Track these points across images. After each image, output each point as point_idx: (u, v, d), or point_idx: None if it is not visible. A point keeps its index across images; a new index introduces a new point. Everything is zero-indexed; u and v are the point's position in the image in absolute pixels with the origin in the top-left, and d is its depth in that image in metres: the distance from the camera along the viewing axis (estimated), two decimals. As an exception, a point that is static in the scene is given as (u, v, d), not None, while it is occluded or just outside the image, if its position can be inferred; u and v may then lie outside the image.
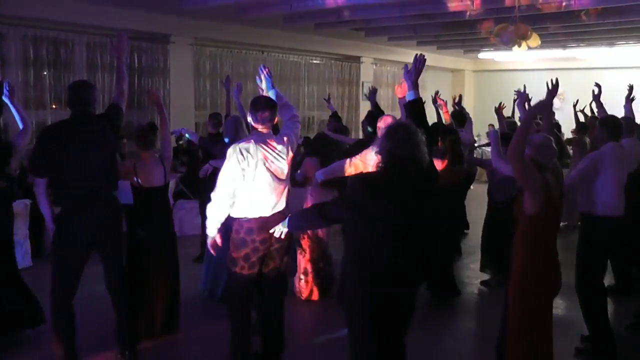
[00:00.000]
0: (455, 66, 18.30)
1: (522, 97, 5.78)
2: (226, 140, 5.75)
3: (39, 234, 7.39)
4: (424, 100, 3.78)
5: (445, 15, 9.92)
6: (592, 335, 4.88)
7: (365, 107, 13.38)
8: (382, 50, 14.73)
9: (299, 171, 6.06)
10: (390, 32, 12.34)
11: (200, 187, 6.69)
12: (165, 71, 10.55)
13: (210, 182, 4.57)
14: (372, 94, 7.82)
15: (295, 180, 5.77)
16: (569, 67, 16.56)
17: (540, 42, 9.35)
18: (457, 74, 19.29)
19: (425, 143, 3.22)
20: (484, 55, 15.48)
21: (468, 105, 17.63)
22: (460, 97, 9.29)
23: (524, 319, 3.69)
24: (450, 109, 8.87)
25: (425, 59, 3.70)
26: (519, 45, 9.14)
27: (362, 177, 3.39)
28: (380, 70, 15.55)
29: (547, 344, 3.77)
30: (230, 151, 4.09)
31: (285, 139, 4.28)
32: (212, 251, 4.24)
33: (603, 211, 4.74)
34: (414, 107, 3.68)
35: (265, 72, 4.54)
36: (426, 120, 3.67)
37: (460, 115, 8.39)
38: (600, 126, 5.12)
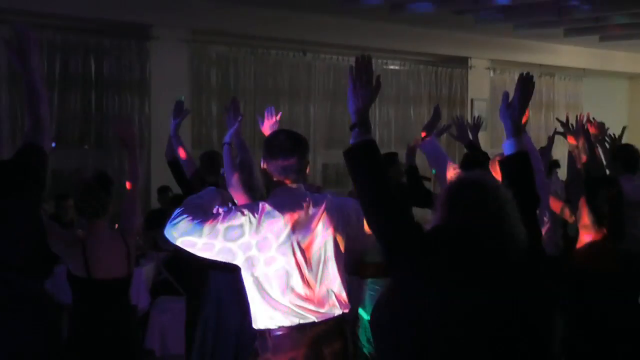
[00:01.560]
0: (635, 69, 17.02)
1: None
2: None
3: None
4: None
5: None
6: None
7: (480, 138, 12.30)
8: (505, 46, 13.85)
9: None
10: (520, 15, 11.37)
11: (197, 275, 6.47)
12: (143, 84, 10.15)
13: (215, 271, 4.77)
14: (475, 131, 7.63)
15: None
16: None
17: None
18: (636, 82, 17.84)
19: (516, 206, 3.09)
20: None
21: None
22: (623, 129, 8.19)
23: None
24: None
25: (534, 82, 3.62)
26: None
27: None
28: (502, 80, 14.56)
29: None
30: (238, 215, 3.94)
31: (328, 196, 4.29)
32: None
33: None
34: (516, 167, 3.55)
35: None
36: (535, 188, 3.55)
37: (633, 155, 7.20)
38: None
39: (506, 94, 3.54)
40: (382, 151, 10.78)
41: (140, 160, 5.06)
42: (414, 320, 3.03)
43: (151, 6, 9.83)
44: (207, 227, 3.66)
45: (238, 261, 3.83)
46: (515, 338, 3.06)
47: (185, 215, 3.65)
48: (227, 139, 5.37)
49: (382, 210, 3.22)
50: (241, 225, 3.72)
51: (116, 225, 5.02)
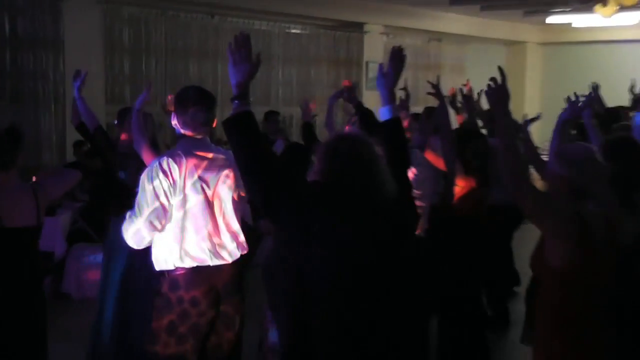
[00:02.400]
0: (512, 36, 17.95)
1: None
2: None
3: None
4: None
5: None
6: None
7: (371, 99, 13.03)
8: (397, 13, 14.18)
9: None
10: None
11: (110, 222, 6.34)
12: (57, 44, 10.02)
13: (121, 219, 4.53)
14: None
15: None
16: None
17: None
18: (514, 49, 18.63)
19: (386, 160, 3.41)
20: (555, 19, 14.89)
21: (530, 94, 18.32)
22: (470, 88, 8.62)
23: None
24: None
25: (404, 54, 3.87)
26: (605, 4, 9.61)
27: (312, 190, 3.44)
28: (394, 44, 14.27)
29: None
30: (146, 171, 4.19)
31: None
32: None
33: None
34: (391, 129, 3.77)
35: None
36: (406, 146, 3.86)
37: (490, 115, 7.67)
38: None
39: (381, 66, 3.73)
40: (279, 108, 11.02)
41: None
42: (297, 265, 3.28)
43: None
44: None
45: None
46: (380, 269, 3.29)
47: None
48: (137, 105, 5.50)
49: (258, 177, 3.34)
50: (157, 197, 4.00)
51: (33, 178, 4.97)
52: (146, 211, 4.07)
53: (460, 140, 5.85)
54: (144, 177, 4.12)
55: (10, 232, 4.66)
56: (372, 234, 3.29)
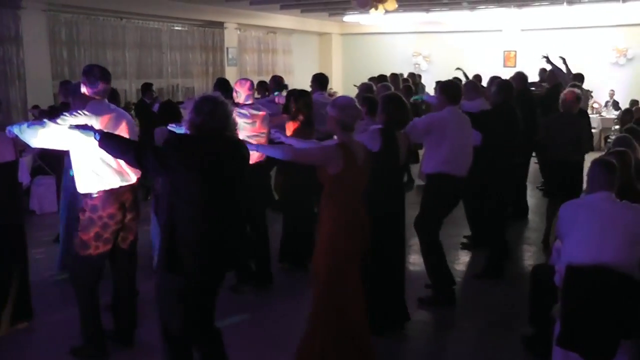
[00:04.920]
0: (322, 29, 19.18)
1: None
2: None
3: None
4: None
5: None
6: (433, 283, 5.69)
7: (231, 73, 14.42)
8: (246, 15, 15.45)
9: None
10: None
11: (59, 162, 6.82)
12: (18, 39, 10.71)
13: (69, 157, 4.62)
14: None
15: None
16: (434, 30, 18.13)
17: (396, 6, 10.65)
18: (324, 38, 20.22)
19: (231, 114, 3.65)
20: (349, 18, 16.39)
21: (336, 68, 19.31)
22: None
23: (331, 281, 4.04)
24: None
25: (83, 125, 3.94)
26: (376, 9, 10.37)
27: (178, 138, 3.66)
28: (245, 36, 16.36)
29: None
30: (73, 115, 4.26)
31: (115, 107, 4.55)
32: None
33: (447, 169, 5.49)
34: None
35: None
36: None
37: (323, 78, 8.25)
38: (440, 91, 5.79)
39: None
40: (169, 80, 13.73)
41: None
42: (169, 191, 3.57)
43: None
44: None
45: (77, 145, 4.22)
46: (225, 194, 3.57)
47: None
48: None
49: (133, 162, 3.62)
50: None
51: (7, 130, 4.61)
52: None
53: (296, 96, 6.59)
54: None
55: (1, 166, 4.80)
56: (221, 161, 3.52)
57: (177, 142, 3.49)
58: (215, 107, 3.50)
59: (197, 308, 3.65)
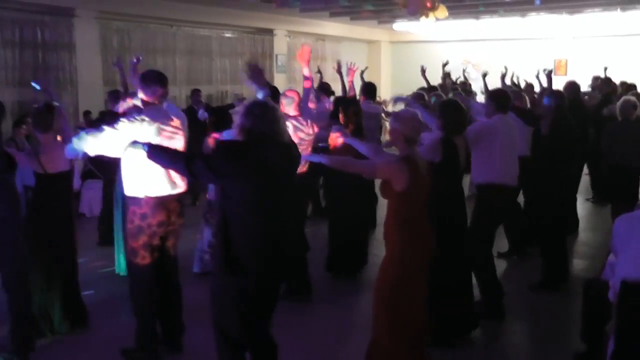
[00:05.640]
0: (371, 37, 18.90)
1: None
2: None
3: None
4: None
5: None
6: (483, 296, 5.50)
7: (279, 80, 14.29)
8: (295, 22, 15.25)
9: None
10: (301, 3, 12.74)
11: (109, 166, 6.79)
12: (71, 46, 10.79)
13: (118, 161, 4.60)
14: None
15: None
16: (484, 38, 17.71)
17: (447, 14, 10.30)
18: (373, 45, 19.89)
19: (284, 119, 3.63)
20: (399, 26, 16.09)
21: (385, 76, 18.95)
22: (366, 68, 9.87)
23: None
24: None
25: (253, 65, 4.26)
26: (426, 16, 10.00)
27: (228, 145, 3.64)
28: (294, 43, 16.09)
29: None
30: (130, 119, 4.25)
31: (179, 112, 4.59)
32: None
33: (497, 179, 5.33)
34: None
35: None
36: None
37: (371, 87, 8.68)
38: (489, 99, 5.67)
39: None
40: (218, 87, 13.35)
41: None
42: (223, 193, 3.53)
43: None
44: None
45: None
46: (278, 196, 3.56)
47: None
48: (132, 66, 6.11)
49: (185, 173, 3.65)
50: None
51: (58, 137, 4.94)
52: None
53: (345, 105, 6.51)
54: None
55: (53, 176, 4.85)
56: (272, 166, 3.48)
57: (227, 148, 3.49)
58: (266, 111, 3.49)
59: (254, 312, 3.60)
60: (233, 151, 3.44)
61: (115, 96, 7.22)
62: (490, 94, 5.76)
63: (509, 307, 5.62)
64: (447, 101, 5.14)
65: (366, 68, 10.01)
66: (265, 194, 3.46)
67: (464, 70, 12.20)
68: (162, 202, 4.37)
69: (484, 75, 9.26)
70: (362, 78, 9.51)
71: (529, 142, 6.66)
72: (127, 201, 4.61)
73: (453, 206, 4.89)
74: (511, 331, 5.43)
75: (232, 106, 8.10)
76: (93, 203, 9.17)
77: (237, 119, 3.58)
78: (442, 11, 10.17)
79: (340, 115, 6.38)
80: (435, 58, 17.89)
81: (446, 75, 12.11)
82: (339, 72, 8.69)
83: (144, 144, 3.72)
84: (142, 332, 4.55)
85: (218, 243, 3.55)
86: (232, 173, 3.40)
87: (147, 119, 4.24)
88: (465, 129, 5.03)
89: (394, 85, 18.97)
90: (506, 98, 5.68)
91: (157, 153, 3.69)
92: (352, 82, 8.46)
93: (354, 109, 6.43)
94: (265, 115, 3.48)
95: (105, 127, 4.15)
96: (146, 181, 4.32)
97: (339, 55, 17.16)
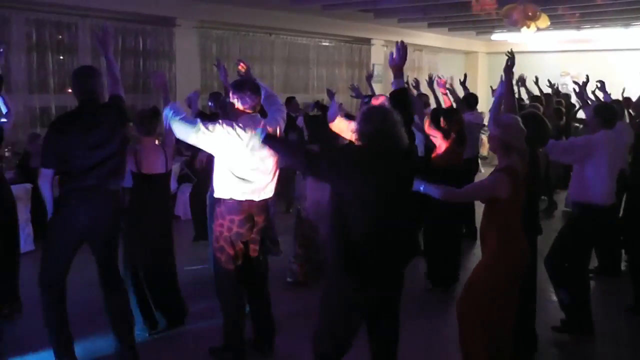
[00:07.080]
0: (468, 48, 18.45)
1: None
2: None
3: (41, 218, 7.37)
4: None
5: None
6: (570, 317, 5.13)
7: (376, 89, 13.02)
8: (393, 32, 14.71)
9: None
10: (399, 14, 12.45)
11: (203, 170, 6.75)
12: (171, 54, 10.72)
13: (211, 166, 4.55)
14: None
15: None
16: (584, 48, 16.68)
17: (549, 23, 9.63)
18: (470, 56, 19.33)
19: (402, 123, 3.44)
20: (497, 36, 15.53)
21: (482, 87, 17.83)
22: (465, 76, 9.33)
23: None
24: (459, 90, 9.02)
25: (406, 46, 3.86)
26: (528, 26, 9.35)
27: (348, 149, 3.61)
28: (389, 51, 15.28)
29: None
30: (226, 126, 4.16)
31: (269, 128, 4.33)
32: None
33: (597, 199, 4.95)
34: (399, 96, 3.82)
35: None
36: (410, 109, 3.84)
37: (472, 98, 8.59)
38: (594, 114, 5.27)
39: (391, 54, 3.85)
40: (314, 95, 12.21)
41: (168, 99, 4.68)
42: (337, 193, 3.45)
43: (175, 6, 10.32)
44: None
45: (222, 154, 4.18)
46: (396, 199, 3.45)
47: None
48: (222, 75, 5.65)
49: (303, 168, 3.82)
50: (228, 134, 4.09)
51: (156, 141, 4.97)
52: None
53: (446, 115, 6.28)
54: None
55: (148, 177, 4.86)
56: (391, 171, 3.41)
57: (349, 151, 3.53)
58: (385, 115, 3.40)
59: (364, 317, 3.55)
60: (355, 155, 3.43)
61: (216, 98, 7.20)
62: (595, 109, 5.35)
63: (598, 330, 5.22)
64: (527, 113, 4.73)
65: (465, 76, 9.31)
66: (382, 198, 3.36)
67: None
68: (247, 206, 4.28)
69: (584, 85, 8.28)
70: (464, 87, 9.03)
71: (626, 155, 6.16)
72: (214, 202, 4.52)
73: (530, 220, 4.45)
74: (599, 351, 5.08)
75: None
76: (188, 206, 8.78)
77: (354, 124, 3.56)
78: (544, 20, 9.45)
79: (443, 125, 6.10)
80: (532, 69, 17.02)
81: (552, 86, 11.51)
82: (430, 86, 8.44)
83: (262, 131, 3.84)
84: (229, 331, 4.46)
85: (333, 245, 3.47)
86: (352, 176, 3.34)
87: (242, 131, 4.14)
88: (545, 143, 4.78)
89: (490, 96, 17.87)
90: (613, 113, 5.25)
91: (274, 144, 3.81)
92: (445, 93, 8.14)
93: (456, 118, 6.19)
94: (386, 119, 3.39)
95: (200, 123, 4.10)
96: (232, 185, 4.23)
97: (436, 66, 16.78)
